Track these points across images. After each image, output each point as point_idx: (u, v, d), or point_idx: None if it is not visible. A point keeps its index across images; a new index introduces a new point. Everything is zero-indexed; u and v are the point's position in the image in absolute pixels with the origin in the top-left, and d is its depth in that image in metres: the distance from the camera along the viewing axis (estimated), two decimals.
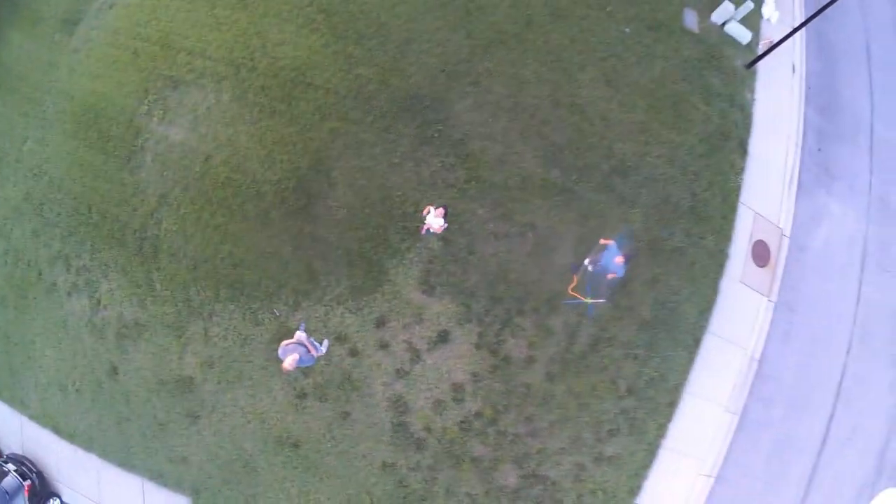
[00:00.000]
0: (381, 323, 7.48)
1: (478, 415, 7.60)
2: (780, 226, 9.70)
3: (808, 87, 10.55)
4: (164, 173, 8.26)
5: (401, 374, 7.50)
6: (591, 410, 8.03)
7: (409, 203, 7.60)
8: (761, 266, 9.41)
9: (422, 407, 7.52)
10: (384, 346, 7.47)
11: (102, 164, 8.83)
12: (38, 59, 10.55)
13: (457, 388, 7.54)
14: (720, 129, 9.12)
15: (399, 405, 7.51)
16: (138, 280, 8.23)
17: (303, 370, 7.52)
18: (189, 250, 7.94)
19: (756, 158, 9.51)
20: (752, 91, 9.76)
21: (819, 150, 10.60)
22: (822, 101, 10.69)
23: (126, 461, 8.77)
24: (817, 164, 10.46)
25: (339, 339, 7.47)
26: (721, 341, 8.80)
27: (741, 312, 8.96)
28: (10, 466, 9.79)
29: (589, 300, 7.66)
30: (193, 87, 8.44)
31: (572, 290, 7.80)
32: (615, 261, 7.65)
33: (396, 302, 7.46)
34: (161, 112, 8.52)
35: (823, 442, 10.09)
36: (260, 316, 7.64)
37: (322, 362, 7.47)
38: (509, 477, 7.82)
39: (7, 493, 9.53)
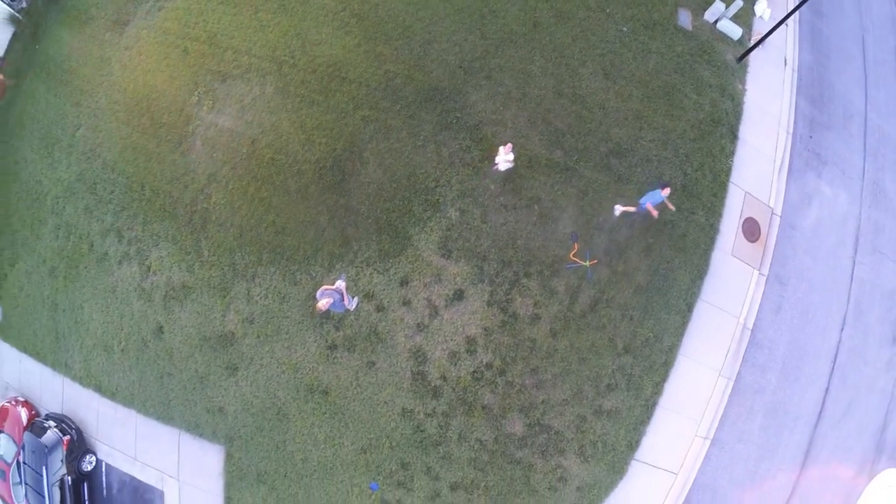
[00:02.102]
0: (404, 282, 9.93)
1: (488, 366, 9.85)
2: (771, 205, 11.99)
3: (799, 79, 12.96)
4: (214, 155, 10.83)
5: (421, 327, 9.89)
6: (590, 365, 10.24)
7: (431, 179, 10.22)
8: (752, 241, 11.63)
9: (439, 358, 9.82)
10: (407, 302, 9.90)
11: (155, 148, 11.44)
12: (88, 56, 13.33)
13: (470, 341, 9.84)
14: (711, 117, 11.52)
15: (419, 356, 9.84)
16: (187, 247, 10.71)
17: (335, 323, 9.88)
18: (236, 220, 10.44)
19: (746, 143, 11.92)
20: (743, 82, 12.21)
21: (811, 137, 12.95)
22: (813, 92, 13.15)
23: (164, 414, 11.15)
24: (808, 150, 12.83)
25: (368, 296, 9.90)
26: (713, 308, 11.00)
27: (733, 283, 11.19)
28: (51, 423, 12.24)
29: (587, 263, 9.87)
30: (240, 81, 11.05)
31: (573, 255, 10.07)
32: (662, 193, 9.60)
33: (418, 264, 9.94)
34: (210, 102, 11.15)
35: (819, 415, 12.15)
36: (298, 276, 10.13)
37: (352, 317, 9.81)
38: (516, 425, 9.99)
39: (47, 447, 11.93)
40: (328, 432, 10.28)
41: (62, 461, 12.11)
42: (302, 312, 10.19)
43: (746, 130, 12.00)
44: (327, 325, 10.08)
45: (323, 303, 8.72)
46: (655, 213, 9.83)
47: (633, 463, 10.72)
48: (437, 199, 10.16)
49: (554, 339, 10.25)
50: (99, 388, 11.93)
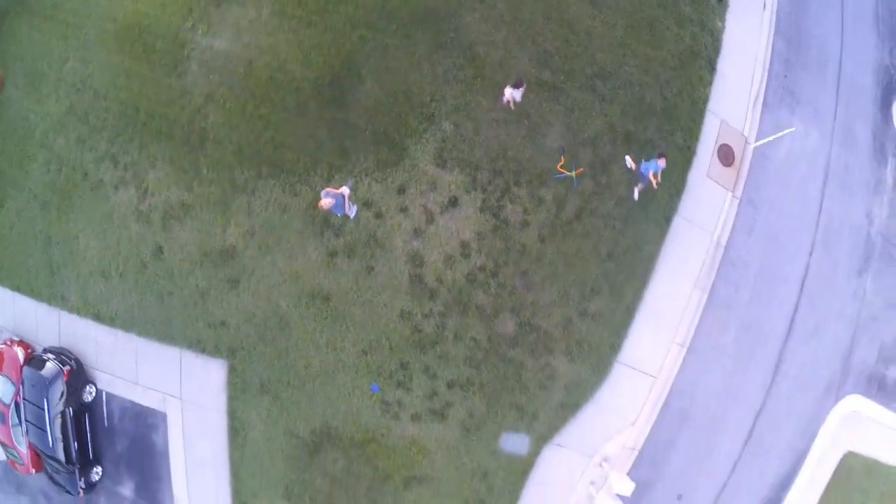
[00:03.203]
0: (401, 190, 11.32)
1: (481, 268, 11.32)
2: (745, 134, 13.68)
3: (778, 21, 14.65)
4: (210, 76, 11.99)
5: (418, 233, 11.29)
6: (576, 270, 11.78)
7: (426, 94, 11.63)
8: (727, 166, 13.27)
9: (435, 261, 11.22)
10: (404, 209, 11.28)
11: (149, 73, 12.53)
12: None
13: (464, 245, 11.28)
14: (690, 49, 13.15)
15: (416, 260, 11.23)
16: (185, 167, 11.89)
17: (335, 230, 11.21)
18: (234, 137, 11.64)
19: (724, 76, 13.64)
20: (723, 20, 13.92)
21: (785, 76, 14.68)
22: (791, 35, 14.92)
23: (165, 334, 12.32)
24: (783, 88, 14.57)
25: (366, 204, 11.27)
26: (689, 224, 12.67)
27: (707, 202, 12.90)
28: (49, 356, 13.24)
29: (573, 174, 11.26)
30: (235, 5, 12.24)
31: (560, 167, 11.49)
32: (659, 163, 11.25)
33: (415, 173, 11.33)
34: (205, 26, 12.29)
35: (788, 332, 13.98)
36: (298, 188, 11.43)
37: (351, 224, 11.11)
38: (508, 325, 11.48)
39: (47, 379, 12.88)
40: (329, 337, 11.59)
41: (63, 393, 13.16)
42: (303, 222, 11.47)
43: (724, 64, 13.67)
44: (328, 233, 11.37)
45: (325, 201, 9.91)
46: (655, 183, 11.51)
47: (616, 365, 12.33)
48: (432, 113, 11.54)
49: (542, 244, 11.73)
50: (97, 316, 12.99)
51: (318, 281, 11.40)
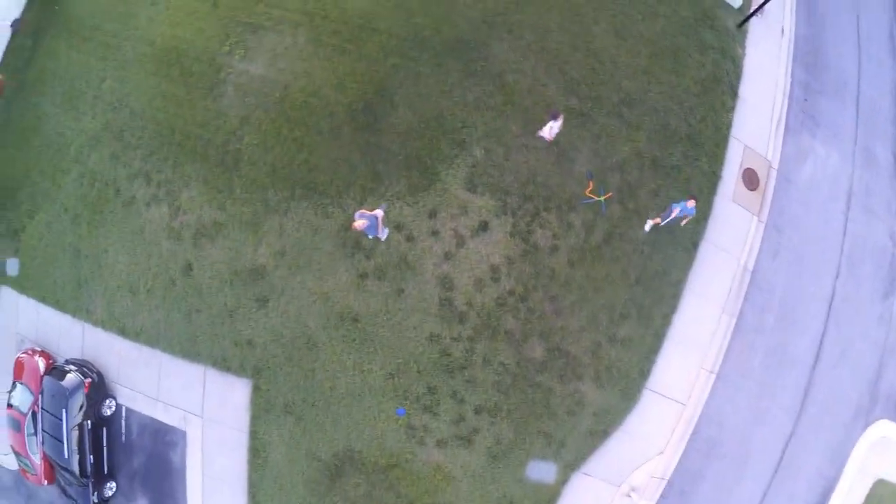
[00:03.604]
0: (432, 214, 11.16)
1: (511, 292, 11.04)
2: (769, 158, 13.55)
3: (796, 48, 14.69)
4: (246, 100, 12.00)
5: (448, 256, 11.08)
6: (605, 295, 11.51)
7: (457, 120, 11.55)
8: (751, 190, 13.11)
9: (465, 284, 10.99)
10: (435, 233, 11.11)
11: (185, 95, 12.55)
12: (112, 11, 14.48)
13: (494, 269, 11.03)
14: (713, 75, 13.11)
15: (446, 283, 10.99)
16: (219, 186, 11.76)
17: (366, 252, 10.96)
18: (268, 159, 11.55)
19: (746, 101, 13.57)
20: (743, 47, 13.89)
21: (805, 100, 14.63)
22: (809, 60, 14.92)
23: (191, 351, 12.07)
24: (804, 112, 14.52)
25: (398, 227, 11.09)
26: (716, 249, 12.43)
27: (733, 227, 12.70)
28: (71, 367, 12.90)
29: (602, 199, 11.13)
30: (272, 32, 12.28)
31: (589, 192, 11.35)
32: (688, 205, 11.13)
33: (446, 197, 11.20)
34: (242, 52, 12.36)
35: (816, 357, 13.59)
36: (330, 210, 11.26)
37: (382, 246, 10.89)
38: (537, 350, 11.14)
39: (67, 389, 12.59)
40: (357, 359, 11.29)
41: (82, 405, 12.84)
42: (334, 244, 11.28)
43: (746, 90, 13.62)
44: (359, 255, 11.16)
45: (359, 223, 9.77)
46: (684, 222, 11.51)
47: (645, 391, 11.94)
48: (464, 139, 11.45)
49: (571, 268, 11.49)
50: (122, 331, 12.78)
51: (347, 302, 11.16)
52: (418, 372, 11.17)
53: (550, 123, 10.99)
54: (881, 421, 14.61)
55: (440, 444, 11.34)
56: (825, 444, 14.20)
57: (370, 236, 10.78)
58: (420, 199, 11.25)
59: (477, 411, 11.30)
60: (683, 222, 11.70)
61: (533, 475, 11.76)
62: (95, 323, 12.96)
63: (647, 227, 11.86)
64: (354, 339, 11.22)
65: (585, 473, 11.92)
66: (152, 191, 12.50)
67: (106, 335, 12.93)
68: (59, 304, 13.55)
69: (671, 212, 11.33)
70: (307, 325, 11.33)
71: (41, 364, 13.72)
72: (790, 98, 14.38)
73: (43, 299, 13.82)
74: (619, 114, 12.26)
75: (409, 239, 11.16)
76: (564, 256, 11.44)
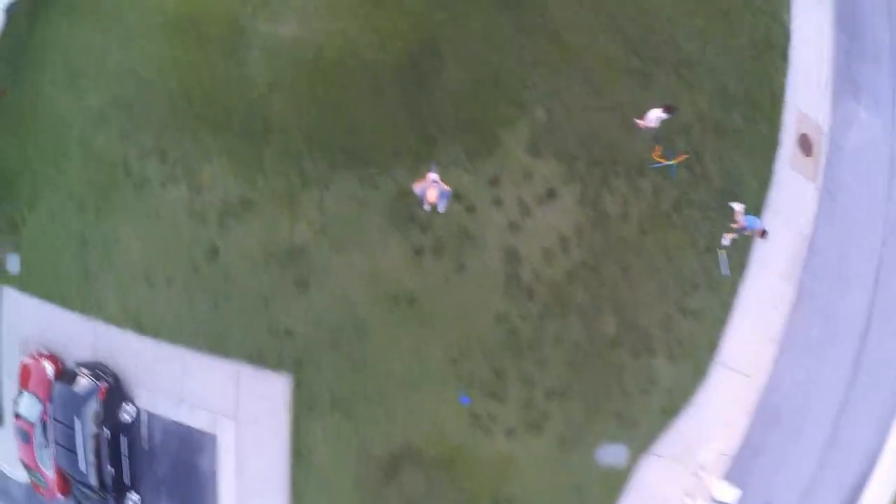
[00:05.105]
0: (494, 182, 9.08)
1: (582, 264, 9.17)
2: (820, 123, 12.05)
3: (836, 13, 13.27)
4: (274, 63, 9.70)
5: (513, 227, 9.04)
6: (676, 264, 9.74)
7: (515, 79, 9.44)
8: (806, 155, 11.61)
9: (532, 257, 9.02)
10: (498, 202, 9.04)
11: (203, 61, 10.15)
12: None
13: (563, 239, 9.11)
14: (766, 38, 11.47)
15: (512, 256, 8.99)
16: (246, 159, 9.45)
17: (421, 225, 8.86)
18: (303, 124, 9.30)
19: (795, 67, 11.89)
20: (789, 12, 12.34)
21: (848, 67, 13.21)
22: (847, 26, 13.28)
23: (219, 346, 9.69)
24: (847, 79, 12.99)
25: (456, 196, 8.92)
26: (777, 216, 10.78)
27: (792, 193, 11.02)
28: (83, 371, 10.42)
29: (672, 162, 9.51)
30: None
31: (657, 156, 9.65)
32: (757, 221, 9.58)
33: (508, 162, 9.13)
34: (267, 13, 10.00)
35: (867, 324, 12.13)
36: (378, 180, 9.03)
37: (440, 218, 8.87)
38: (609, 324, 9.33)
39: (80, 396, 10.09)
40: (414, 344, 9.08)
41: (98, 413, 10.27)
42: (384, 217, 9.04)
43: (794, 55, 11.83)
44: (413, 229, 8.96)
45: (431, 194, 7.83)
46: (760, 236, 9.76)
47: (714, 364, 10.22)
48: (523, 99, 9.38)
49: (643, 236, 9.56)
50: (138, 327, 10.19)
51: (401, 281, 9.00)
52: (483, 355, 9.06)
53: (659, 114, 9.03)
54: None
55: (508, 432, 9.22)
56: (874, 414, 12.97)
57: (427, 209, 8.80)
58: (480, 166, 9.14)
59: (547, 395, 9.20)
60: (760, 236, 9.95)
61: (604, 459, 9.76)
62: (108, 319, 10.37)
63: (726, 241, 10.00)
64: (411, 323, 9.05)
65: (655, 454, 10.13)
66: (168, 169, 9.98)
67: (120, 333, 10.35)
68: (65, 302, 10.88)
69: (745, 223, 9.63)
70: (355, 310, 9.09)
71: (49, 369, 10.93)
72: (835, 64, 12.98)
73: (48, 297, 11.12)
74: (680, 74, 10.35)
75: (470, 209, 9.05)
76: (635, 224, 9.44)
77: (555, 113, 9.39)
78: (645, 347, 9.43)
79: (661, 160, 9.71)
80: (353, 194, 9.10)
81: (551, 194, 9.16)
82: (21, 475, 11.76)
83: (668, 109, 9.01)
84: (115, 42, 11.25)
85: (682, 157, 9.62)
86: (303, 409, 9.34)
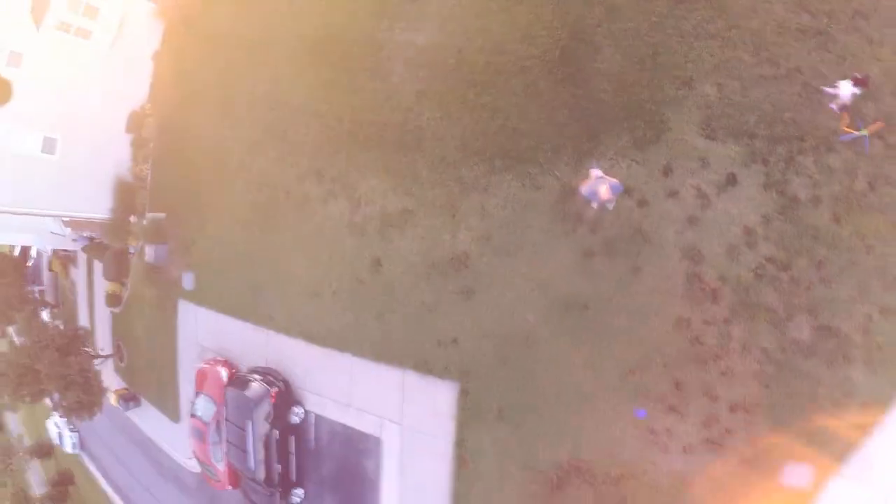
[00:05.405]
0: (667, 171, 7.50)
1: (771, 259, 7.29)
2: None
3: None
4: (418, 73, 8.87)
5: (692, 221, 7.48)
6: (876, 254, 7.53)
7: (678, 55, 7.69)
8: None
9: (715, 254, 7.40)
10: (673, 193, 7.46)
11: (348, 82, 9.31)
12: (253, 16, 10.69)
13: (749, 231, 7.37)
14: None
15: (692, 254, 7.45)
16: (402, 171, 8.70)
17: (590, 225, 7.10)
18: (456, 131, 8.34)
19: None
20: None
21: None
22: None
23: (385, 354, 8.99)
24: None
25: (626, 191, 7.54)
26: None
27: None
28: (255, 376, 10.19)
29: (865, 132, 6.82)
30: None
31: (846, 126, 7.06)
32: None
33: (680, 148, 7.50)
34: (403, 24, 8.70)
35: None
36: (540, 180, 7.86)
37: (610, 216, 7.26)
38: (803, 329, 7.36)
39: (252, 400, 9.79)
40: (587, 354, 7.74)
41: (269, 414, 9.77)
42: (549, 219, 7.79)
43: None
44: (581, 230, 7.67)
45: (604, 191, 6.37)
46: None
47: None
48: (690, 76, 7.56)
49: (837, 224, 7.39)
50: (308, 336, 9.65)
51: (572, 287, 7.54)
52: (663, 365, 7.42)
53: (851, 89, 6.70)
54: None
55: (686, 449, 7.49)
56: None
57: (594, 204, 6.97)
58: (649, 155, 7.43)
59: (732, 409, 7.35)
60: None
61: (788, 480, 7.68)
62: (278, 329, 9.92)
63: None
64: (583, 331, 7.64)
65: (845, 476, 7.77)
66: (326, 187, 9.25)
67: (291, 341, 9.87)
68: (238, 313, 10.58)
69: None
70: (524, 318, 7.82)
71: (224, 374, 10.77)
72: None
73: (221, 309, 10.89)
74: (857, 28, 7.93)
75: (642, 204, 7.40)
76: (828, 210, 7.32)
77: (726, 87, 7.55)
78: (843, 355, 7.30)
79: (851, 131, 7.18)
80: (514, 196, 7.95)
81: (731, 180, 7.35)
82: (193, 465, 11.89)
83: (859, 82, 6.85)
84: (262, 71, 10.53)
85: (877, 126, 6.95)
86: (468, 418, 8.42)
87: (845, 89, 6.79)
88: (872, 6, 8.34)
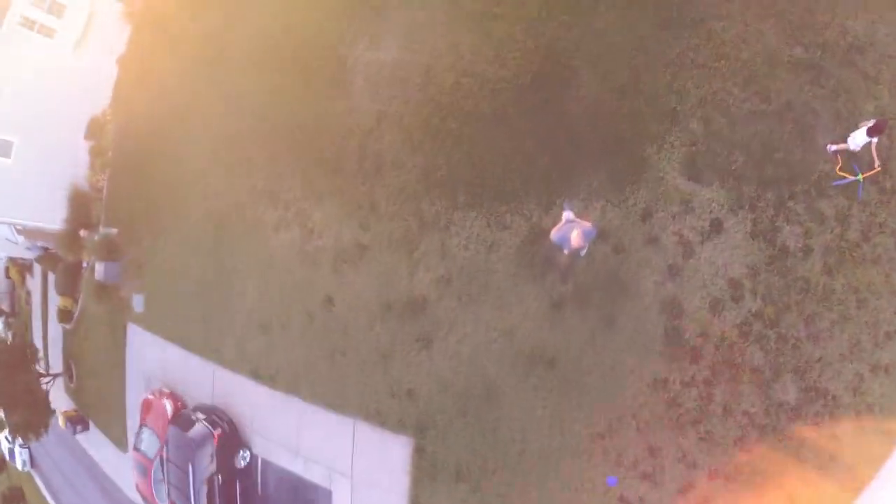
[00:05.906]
0: (647, 215, 6.56)
1: (757, 315, 6.44)
2: None
3: None
4: (379, 91, 7.77)
5: (673, 271, 6.52)
6: (869, 308, 6.70)
7: (661, 85, 6.78)
8: None
9: (697, 308, 6.45)
10: (653, 240, 6.51)
11: (303, 93, 8.03)
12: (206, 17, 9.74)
13: (734, 284, 6.46)
14: None
15: (672, 307, 6.49)
16: (359, 200, 7.56)
17: (561, 271, 6.19)
18: (418, 160, 7.26)
19: None
20: None
21: None
22: None
23: (336, 400, 7.89)
24: None
25: (601, 235, 6.53)
26: None
27: None
28: (199, 415, 9.04)
29: (860, 177, 6.19)
30: (399, 9, 7.68)
31: (839, 170, 6.38)
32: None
33: (662, 189, 6.54)
34: (367, 39, 7.73)
35: None
36: (507, 219, 6.81)
37: (582, 263, 6.30)
38: (789, 391, 6.52)
39: (194, 441, 8.64)
40: (553, 413, 6.71)
41: (212, 457, 8.59)
42: (516, 263, 6.71)
43: None
44: (551, 276, 6.59)
45: (575, 237, 5.31)
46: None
47: None
48: (674, 108, 6.66)
49: (829, 276, 6.58)
50: (255, 374, 8.50)
51: (539, 339, 6.56)
52: (637, 429, 6.46)
53: (867, 139, 5.79)
54: None
55: None
56: None
57: (566, 251, 6.16)
58: (628, 196, 6.50)
59: (711, 476, 6.48)
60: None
61: None
62: (225, 364, 8.76)
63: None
64: (551, 389, 6.63)
65: None
66: (279, 213, 8.14)
67: (238, 378, 8.71)
68: (185, 343, 9.46)
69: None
70: (485, 371, 6.79)
71: (169, 407, 9.59)
72: None
73: (170, 338, 9.73)
74: (852, 62, 7.19)
75: (619, 250, 6.45)
76: (820, 260, 6.46)
77: (712, 122, 6.66)
78: (830, 416, 6.44)
79: (845, 175, 6.47)
80: (478, 236, 6.90)
81: (717, 227, 6.46)
82: (137, 498, 10.51)
83: (875, 129, 5.82)
84: (219, 75, 9.27)
85: (875, 171, 6.27)
86: (424, 477, 7.35)
87: (858, 140, 5.82)
88: (868, 40, 7.53)
